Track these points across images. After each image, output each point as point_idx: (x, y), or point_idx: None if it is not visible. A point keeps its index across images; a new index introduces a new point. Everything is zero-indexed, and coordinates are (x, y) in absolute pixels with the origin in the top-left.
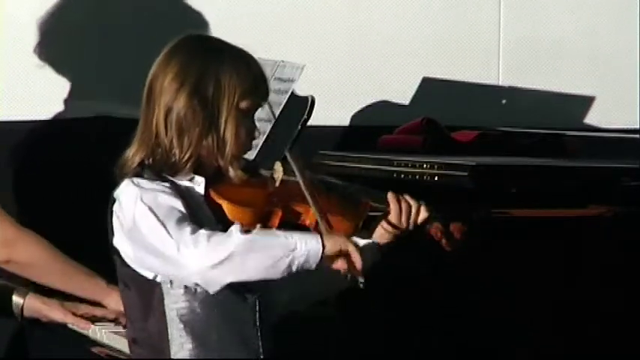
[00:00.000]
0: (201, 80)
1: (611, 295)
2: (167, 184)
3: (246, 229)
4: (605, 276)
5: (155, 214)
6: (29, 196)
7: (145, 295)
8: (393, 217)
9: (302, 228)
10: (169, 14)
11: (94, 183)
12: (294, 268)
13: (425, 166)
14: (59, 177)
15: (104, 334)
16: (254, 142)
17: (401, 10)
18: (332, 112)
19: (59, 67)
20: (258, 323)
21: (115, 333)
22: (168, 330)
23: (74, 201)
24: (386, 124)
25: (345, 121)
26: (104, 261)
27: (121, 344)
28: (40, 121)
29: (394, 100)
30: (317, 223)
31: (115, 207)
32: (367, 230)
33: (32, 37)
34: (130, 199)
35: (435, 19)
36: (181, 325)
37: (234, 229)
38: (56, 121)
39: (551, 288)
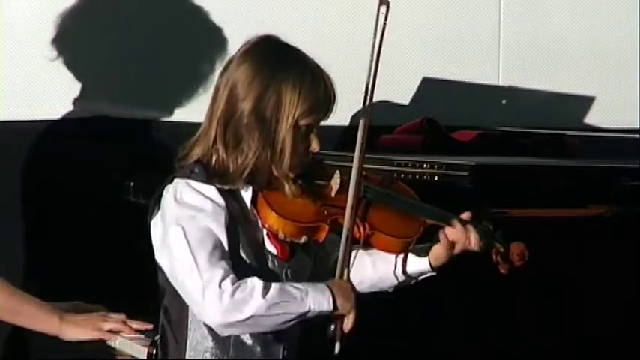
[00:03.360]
0: (263, 96)
1: (611, 295)
2: (213, 188)
3: (266, 285)
4: (605, 276)
5: (188, 242)
6: (29, 196)
7: (172, 284)
8: (458, 244)
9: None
10: (169, 14)
11: (94, 183)
12: (309, 319)
13: (425, 166)
14: (59, 177)
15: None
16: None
17: (401, 10)
18: (332, 112)
19: (60, 67)
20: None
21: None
22: (190, 320)
23: (74, 201)
24: (386, 124)
25: (345, 121)
26: (103, 259)
27: (124, 346)
28: (41, 121)
29: (394, 100)
30: (368, 238)
31: (163, 205)
32: (423, 247)
33: (32, 38)
34: (168, 215)
35: (434, 20)
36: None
37: (257, 286)
38: (56, 121)
39: (551, 288)
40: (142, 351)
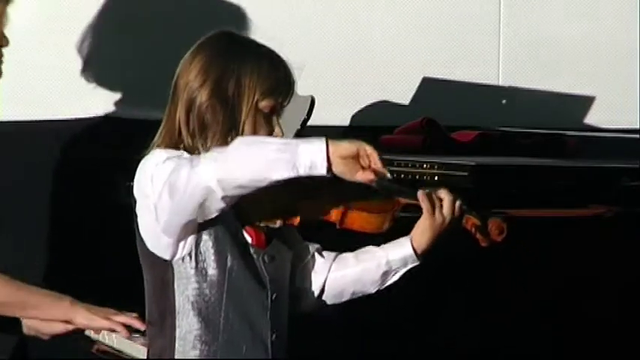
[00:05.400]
0: (222, 78)
1: (611, 295)
2: None
3: None
4: (605, 276)
5: (177, 165)
6: (29, 195)
7: (158, 275)
8: (426, 215)
9: (326, 224)
10: (171, 14)
11: (94, 183)
12: (301, 170)
13: (425, 166)
14: (59, 177)
15: (106, 335)
16: None
17: (401, 10)
18: (332, 112)
19: (60, 66)
20: (269, 314)
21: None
22: (178, 311)
23: (74, 201)
24: (386, 124)
25: (345, 121)
26: (103, 258)
27: (124, 346)
28: (41, 121)
29: (394, 100)
30: (342, 217)
31: (136, 182)
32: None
33: (32, 38)
34: (156, 160)
35: (435, 20)
36: (189, 307)
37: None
38: (56, 121)
39: (551, 288)
40: (142, 351)
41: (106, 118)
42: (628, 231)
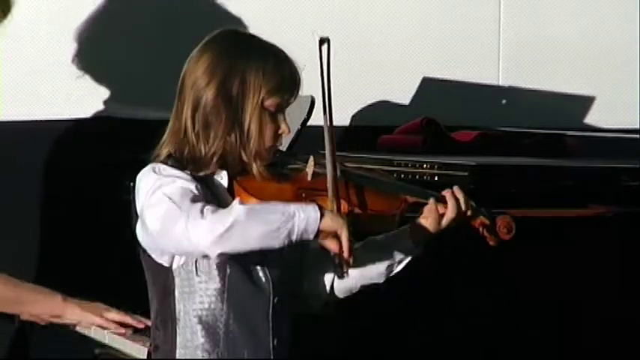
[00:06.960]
0: (227, 78)
1: (611, 295)
2: (188, 173)
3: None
4: (605, 276)
5: (171, 199)
6: (29, 196)
7: (160, 281)
8: (433, 216)
9: None
10: (170, 14)
11: (94, 183)
12: (293, 237)
13: (425, 166)
14: (59, 177)
15: (106, 335)
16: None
17: (401, 10)
18: (332, 112)
19: (60, 67)
20: (271, 319)
21: (117, 334)
22: (179, 318)
23: (74, 201)
24: (386, 124)
25: (345, 121)
26: (103, 259)
27: (124, 346)
28: (41, 121)
29: (394, 100)
30: (348, 215)
31: (136, 192)
32: (405, 227)
33: (32, 38)
34: (149, 186)
35: (435, 19)
36: (190, 315)
37: (235, 202)
38: (56, 121)
39: (551, 288)
40: (141, 351)
41: (106, 119)
42: (628, 231)
